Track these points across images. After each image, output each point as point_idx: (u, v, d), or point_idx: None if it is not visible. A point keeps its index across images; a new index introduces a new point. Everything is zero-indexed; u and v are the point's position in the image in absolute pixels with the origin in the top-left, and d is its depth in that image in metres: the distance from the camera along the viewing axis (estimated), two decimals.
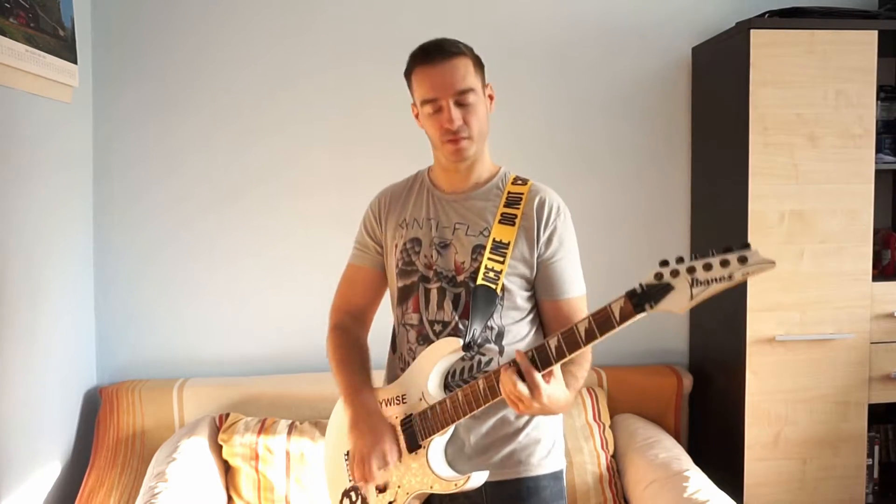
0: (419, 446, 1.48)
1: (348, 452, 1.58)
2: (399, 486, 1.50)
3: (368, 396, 1.54)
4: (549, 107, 2.69)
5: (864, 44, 2.33)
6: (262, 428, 2.32)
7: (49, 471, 2.26)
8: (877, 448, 2.52)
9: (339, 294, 1.70)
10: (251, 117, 2.61)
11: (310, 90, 2.62)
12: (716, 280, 1.15)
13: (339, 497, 1.61)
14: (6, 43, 1.95)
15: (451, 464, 1.50)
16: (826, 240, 2.36)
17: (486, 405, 1.41)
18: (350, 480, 1.57)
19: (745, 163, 2.33)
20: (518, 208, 1.54)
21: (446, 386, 1.51)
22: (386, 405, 1.54)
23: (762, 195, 2.34)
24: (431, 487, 1.47)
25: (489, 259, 1.49)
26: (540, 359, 1.33)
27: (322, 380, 2.27)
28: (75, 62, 2.33)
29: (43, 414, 2.22)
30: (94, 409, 2.48)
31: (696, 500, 2.01)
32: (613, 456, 2.42)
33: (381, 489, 1.52)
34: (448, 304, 1.51)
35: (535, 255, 1.52)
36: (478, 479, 1.46)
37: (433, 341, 1.51)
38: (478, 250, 1.51)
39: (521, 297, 1.53)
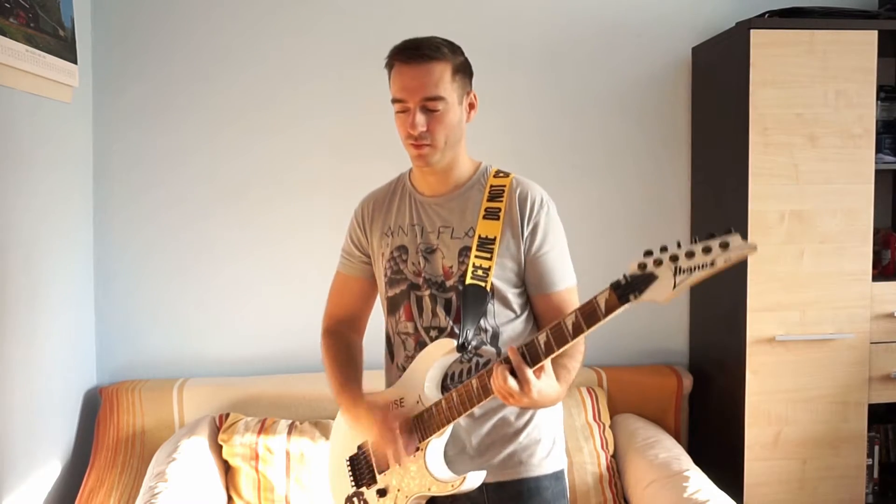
0: (417, 448, 1.48)
1: (350, 458, 1.59)
2: (399, 490, 1.50)
3: (356, 390, 1.55)
4: (548, 107, 2.69)
5: (864, 44, 2.33)
6: (262, 428, 2.32)
7: (49, 471, 2.26)
8: (877, 448, 2.52)
9: (330, 302, 1.71)
10: (251, 117, 2.61)
11: (310, 90, 2.62)
12: (698, 267, 1.13)
13: (343, 503, 1.61)
14: (6, 43, 1.95)
15: (452, 465, 1.50)
16: (826, 240, 2.36)
17: (480, 404, 1.41)
18: (353, 486, 1.58)
19: (745, 163, 2.33)
20: (501, 201, 1.52)
21: (445, 389, 1.51)
22: None
23: (762, 195, 2.33)
24: (429, 489, 1.47)
25: (476, 257, 1.48)
26: (530, 354, 1.33)
27: (322, 380, 2.25)
28: (75, 62, 2.33)
29: (43, 414, 2.22)
30: (94, 408, 2.48)
31: (696, 500, 2.01)
32: (613, 456, 2.42)
33: (382, 493, 1.52)
34: (441, 311, 1.51)
35: (522, 250, 1.51)
36: (474, 479, 1.45)
37: None
38: (464, 252, 1.50)
39: (512, 293, 1.52)
